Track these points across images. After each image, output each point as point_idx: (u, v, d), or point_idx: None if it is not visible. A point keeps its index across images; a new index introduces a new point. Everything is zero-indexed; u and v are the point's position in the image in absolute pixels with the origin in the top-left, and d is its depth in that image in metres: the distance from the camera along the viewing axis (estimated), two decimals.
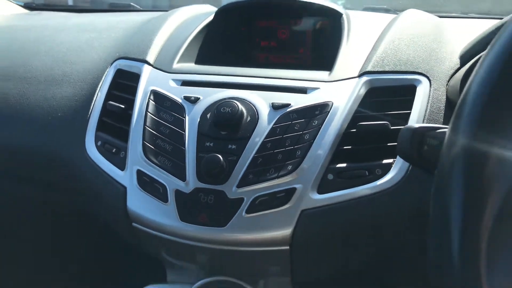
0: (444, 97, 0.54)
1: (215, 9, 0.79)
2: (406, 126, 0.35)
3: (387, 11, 1.02)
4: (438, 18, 0.72)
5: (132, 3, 1.23)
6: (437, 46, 0.60)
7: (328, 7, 0.67)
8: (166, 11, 0.93)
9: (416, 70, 0.55)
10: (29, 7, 1.23)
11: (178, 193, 0.51)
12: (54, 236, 0.74)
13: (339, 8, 0.68)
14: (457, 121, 0.27)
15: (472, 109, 0.26)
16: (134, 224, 0.54)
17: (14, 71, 0.72)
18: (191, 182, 0.50)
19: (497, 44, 0.27)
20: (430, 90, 0.54)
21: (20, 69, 0.72)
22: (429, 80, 0.54)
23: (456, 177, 0.25)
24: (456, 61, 0.58)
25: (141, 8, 1.20)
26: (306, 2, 0.68)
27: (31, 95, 0.68)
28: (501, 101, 0.25)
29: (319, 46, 0.69)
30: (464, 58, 0.57)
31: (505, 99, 0.25)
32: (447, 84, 0.55)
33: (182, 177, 0.51)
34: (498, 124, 0.25)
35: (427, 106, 0.52)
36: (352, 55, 0.58)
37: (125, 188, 0.54)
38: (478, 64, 0.28)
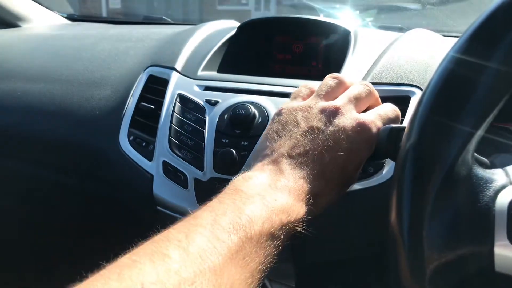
0: None
1: (238, 24, 0.89)
2: (384, 126, 0.43)
3: (401, 29, 1.08)
4: (443, 37, 0.78)
5: (164, 17, 1.33)
6: (434, 62, 0.66)
7: (338, 25, 0.75)
8: (195, 24, 1.03)
9: (411, 83, 0.62)
10: (71, 18, 1.36)
11: (197, 181, 0.59)
12: (85, 220, 0.83)
13: (348, 26, 0.75)
14: (414, 116, 0.34)
15: (421, 114, 0.34)
16: (158, 207, 0.62)
17: (60, 74, 0.82)
18: (208, 172, 0.58)
19: (445, 59, 0.34)
20: None
21: (65, 72, 0.82)
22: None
23: (409, 159, 0.33)
24: None
25: (172, 22, 1.31)
26: (318, 20, 0.76)
27: (74, 95, 0.77)
28: (442, 109, 0.33)
29: (329, 60, 0.77)
30: None
31: (446, 107, 0.33)
32: None
33: (201, 168, 0.59)
34: (440, 128, 0.33)
35: None
36: (355, 68, 0.66)
37: (152, 176, 0.62)
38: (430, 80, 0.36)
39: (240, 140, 0.59)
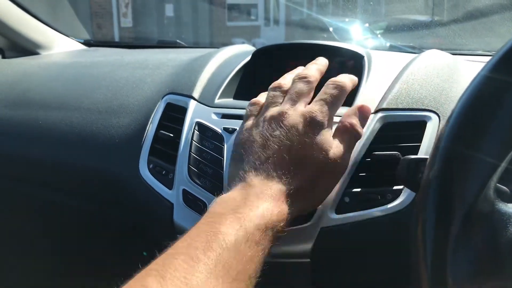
0: None
1: (253, 49, 0.90)
2: (404, 157, 0.43)
3: (413, 48, 1.09)
4: (456, 57, 0.78)
5: (178, 40, 1.36)
6: (449, 85, 0.67)
7: (351, 50, 0.76)
8: (208, 47, 1.05)
9: (427, 108, 0.62)
10: (87, 43, 1.39)
11: None
12: (106, 246, 0.85)
13: (361, 50, 0.76)
14: (436, 148, 0.35)
15: (447, 139, 0.34)
16: (178, 235, 0.63)
17: (80, 102, 0.84)
18: None
19: (468, 89, 0.35)
20: (439, 126, 0.61)
21: (85, 101, 0.84)
22: (439, 116, 0.61)
23: (431, 191, 0.33)
24: None
25: (186, 45, 1.33)
26: (332, 46, 0.77)
27: (93, 124, 0.79)
28: (465, 141, 0.33)
29: None
30: None
31: (470, 138, 0.33)
32: None
33: None
34: (463, 162, 0.33)
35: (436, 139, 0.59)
36: (370, 93, 0.66)
37: (172, 204, 0.63)
38: (454, 107, 0.36)
39: None
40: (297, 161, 0.48)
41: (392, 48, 1.14)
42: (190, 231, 0.42)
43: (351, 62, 0.77)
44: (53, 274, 0.96)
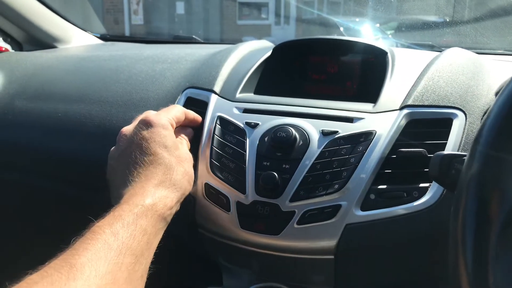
0: None
1: (272, 44, 0.89)
2: (436, 153, 0.42)
3: (432, 47, 1.08)
4: (480, 55, 0.77)
5: (194, 36, 1.36)
6: (474, 83, 0.66)
7: (374, 46, 0.75)
8: (225, 43, 1.05)
9: (453, 105, 0.61)
10: (104, 38, 1.39)
11: (239, 204, 0.59)
12: None
13: (384, 47, 0.75)
14: (474, 149, 0.34)
15: (485, 141, 0.33)
16: (200, 230, 0.63)
17: (99, 95, 0.84)
18: (250, 195, 0.59)
19: (509, 85, 0.34)
20: (465, 123, 0.60)
21: (104, 94, 0.84)
22: (465, 114, 0.60)
23: (470, 193, 0.32)
24: (491, 97, 0.64)
25: (202, 41, 1.33)
26: (354, 41, 0.76)
27: (113, 117, 0.79)
28: (509, 135, 0.32)
29: (364, 80, 0.77)
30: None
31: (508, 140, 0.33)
32: (482, 118, 0.61)
33: (243, 191, 0.59)
34: (507, 154, 0.32)
35: (462, 137, 0.58)
36: (395, 90, 0.65)
37: (194, 198, 0.63)
38: (494, 101, 0.35)
39: (282, 163, 0.59)
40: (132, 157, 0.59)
41: (412, 45, 1.12)
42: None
43: (374, 58, 0.76)
44: None
